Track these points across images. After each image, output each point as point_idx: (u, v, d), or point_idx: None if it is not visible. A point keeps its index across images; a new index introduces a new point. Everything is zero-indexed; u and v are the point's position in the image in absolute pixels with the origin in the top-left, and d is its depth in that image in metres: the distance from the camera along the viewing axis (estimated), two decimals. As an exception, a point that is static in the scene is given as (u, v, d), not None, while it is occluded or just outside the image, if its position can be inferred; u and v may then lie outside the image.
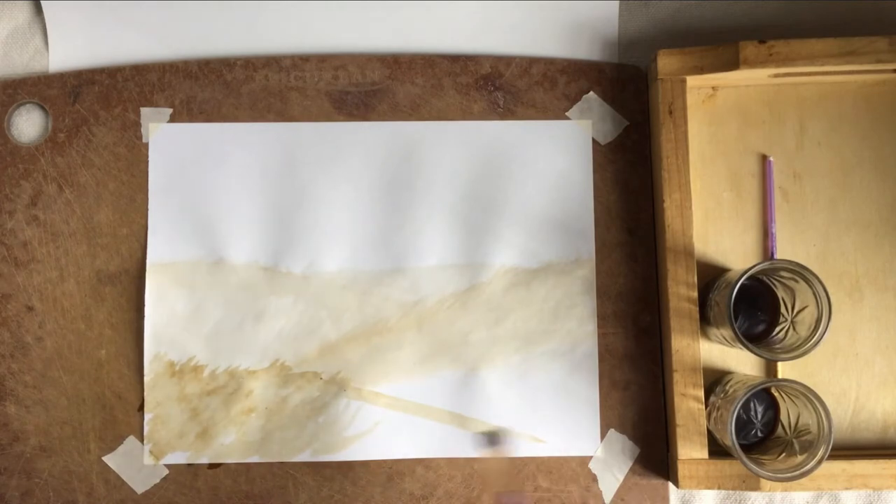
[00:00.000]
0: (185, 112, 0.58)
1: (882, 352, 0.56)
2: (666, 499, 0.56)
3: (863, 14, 0.59)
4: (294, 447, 0.56)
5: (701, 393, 0.53)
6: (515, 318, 0.57)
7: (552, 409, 0.57)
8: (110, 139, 0.58)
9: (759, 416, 0.55)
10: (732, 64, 0.53)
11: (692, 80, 0.55)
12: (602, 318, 0.57)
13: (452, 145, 0.58)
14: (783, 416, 0.54)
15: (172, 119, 0.58)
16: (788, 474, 0.48)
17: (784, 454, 0.52)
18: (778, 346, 0.52)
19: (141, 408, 0.56)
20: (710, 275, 0.56)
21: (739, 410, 0.50)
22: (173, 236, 0.57)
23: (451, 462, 0.56)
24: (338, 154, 0.58)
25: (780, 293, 0.53)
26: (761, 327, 0.54)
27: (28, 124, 0.58)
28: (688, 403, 0.53)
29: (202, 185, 0.58)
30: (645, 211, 0.58)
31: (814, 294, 0.49)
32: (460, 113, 0.58)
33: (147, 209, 0.57)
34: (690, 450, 0.53)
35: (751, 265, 0.49)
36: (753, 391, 0.49)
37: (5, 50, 0.59)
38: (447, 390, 0.57)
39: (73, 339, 0.57)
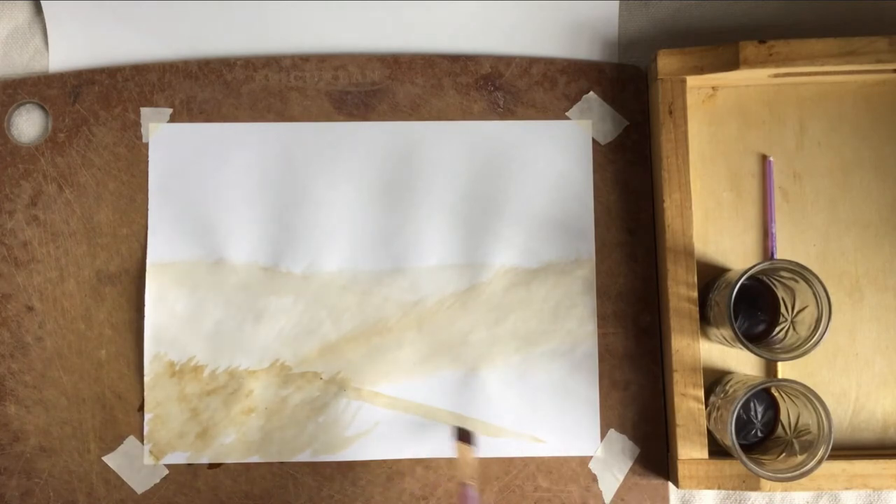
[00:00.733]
0: (185, 112, 0.58)
1: (882, 352, 0.56)
2: (666, 499, 0.56)
3: (863, 14, 0.59)
4: (294, 447, 0.56)
5: (701, 393, 0.53)
6: (515, 318, 0.57)
7: (552, 409, 0.57)
8: (110, 139, 0.58)
9: (759, 416, 0.55)
10: (732, 64, 0.53)
11: (692, 80, 0.55)
12: (602, 318, 0.57)
13: (452, 145, 0.58)
14: (783, 416, 0.54)
15: (172, 119, 0.58)
16: (788, 474, 0.48)
17: (784, 454, 0.52)
18: (778, 346, 0.52)
19: (141, 408, 0.56)
20: (710, 275, 0.56)
21: (739, 410, 0.50)
22: (173, 236, 0.57)
23: (452, 462, 0.56)
24: (338, 154, 0.58)
25: (780, 293, 0.53)
26: (761, 327, 0.54)
27: (28, 124, 0.58)
28: (688, 403, 0.53)
29: (202, 185, 0.58)
30: (645, 211, 0.58)
31: (814, 294, 0.49)
32: (460, 113, 0.58)
33: (147, 209, 0.57)
34: (690, 450, 0.53)
35: (751, 265, 0.49)
36: (753, 391, 0.49)
37: (5, 50, 0.59)
38: (447, 390, 0.57)
39: (73, 339, 0.57)
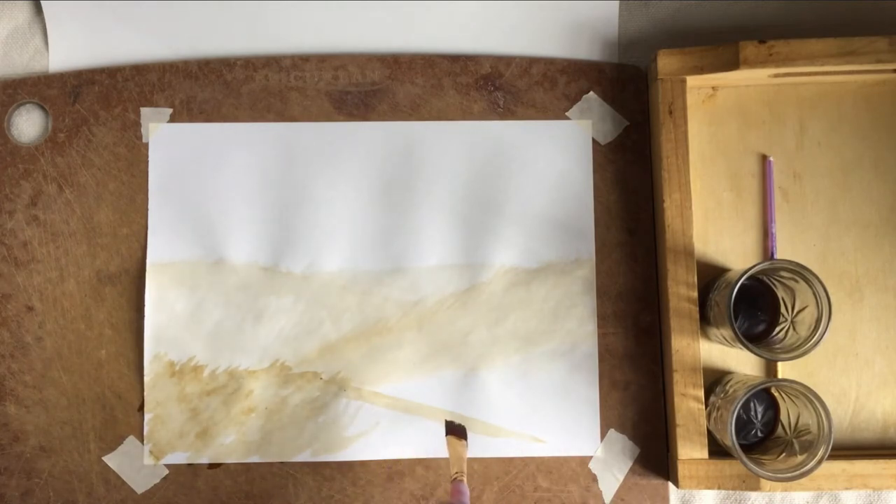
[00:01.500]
0: (185, 112, 0.58)
1: (882, 352, 0.56)
2: (666, 499, 0.56)
3: (863, 14, 0.59)
4: (294, 447, 0.56)
5: (701, 393, 0.53)
6: (515, 318, 0.57)
7: (552, 409, 0.57)
8: (110, 139, 0.58)
9: (759, 416, 0.55)
10: (732, 64, 0.53)
11: (692, 80, 0.55)
12: (602, 318, 0.57)
13: (452, 145, 0.58)
14: (783, 416, 0.54)
15: (172, 119, 0.58)
16: (788, 474, 0.48)
17: (784, 454, 0.52)
18: (778, 346, 0.52)
19: (141, 408, 0.56)
20: (710, 275, 0.56)
21: (739, 410, 0.50)
22: (173, 236, 0.57)
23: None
24: (338, 154, 0.58)
25: (780, 293, 0.53)
26: (761, 327, 0.54)
27: (28, 124, 0.58)
28: (688, 403, 0.53)
29: (202, 185, 0.58)
30: (645, 211, 0.58)
31: (814, 294, 0.49)
32: (460, 113, 0.58)
33: (147, 209, 0.57)
34: (690, 450, 0.53)
35: (751, 265, 0.49)
36: (753, 391, 0.49)
37: (5, 50, 0.59)
38: (447, 390, 0.57)
39: (73, 339, 0.57)
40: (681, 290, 0.54)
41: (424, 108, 0.58)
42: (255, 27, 0.59)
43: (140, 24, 0.59)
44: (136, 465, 0.56)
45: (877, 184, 0.57)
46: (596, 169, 0.58)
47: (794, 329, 0.52)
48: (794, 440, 0.52)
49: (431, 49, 0.59)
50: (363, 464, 0.56)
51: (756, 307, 0.54)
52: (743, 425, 0.55)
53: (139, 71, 0.58)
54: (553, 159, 0.58)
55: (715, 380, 0.56)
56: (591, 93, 0.59)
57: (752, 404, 0.55)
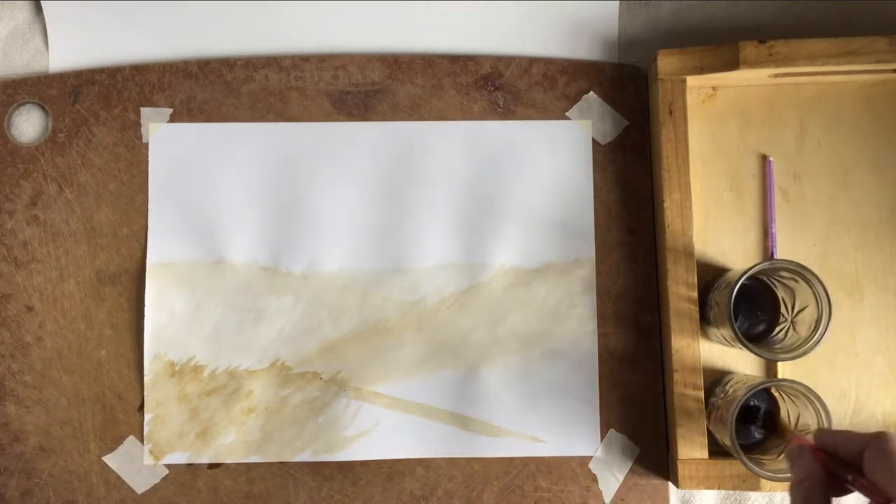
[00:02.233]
0: (185, 112, 0.58)
1: (882, 352, 0.56)
2: (666, 499, 0.56)
3: (863, 14, 0.59)
4: (294, 447, 0.56)
5: (701, 393, 0.53)
6: (515, 318, 0.57)
7: (552, 409, 0.57)
8: (110, 139, 0.58)
9: (759, 417, 0.55)
10: (732, 64, 0.53)
11: (692, 80, 0.55)
12: (602, 318, 0.57)
13: (452, 145, 0.58)
14: (783, 416, 0.54)
15: (172, 119, 0.58)
16: (788, 474, 0.48)
17: (784, 454, 0.52)
18: (778, 346, 0.52)
19: (141, 408, 0.56)
20: (710, 275, 0.56)
21: (739, 410, 0.50)
22: (173, 236, 0.57)
23: (451, 462, 0.56)
24: (338, 154, 0.58)
25: (780, 293, 0.53)
26: (761, 327, 0.54)
27: (28, 124, 0.58)
28: (688, 403, 0.53)
29: (202, 185, 0.58)
30: (645, 211, 0.58)
31: (814, 294, 0.49)
32: (460, 113, 0.58)
33: (147, 209, 0.57)
34: (690, 450, 0.53)
35: (751, 265, 0.49)
36: (753, 391, 0.49)
37: (5, 50, 0.59)
38: (447, 390, 0.57)
39: (73, 339, 0.57)
40: (681, 290, 0.54)
41: (424, 108, 0.58)
42: (255, 27, 0.59)
43: (140, 24, 0.59)
44: (136, 465, 0.56)
45: (877, 184, 0.57)
46: (596, 169, 0.58)
47: (794, 329, 0.52)
48: (794, 440, 0.52)
49: (431, 49, 0.59)
50: (363, 464, 0.56)
51: (756, 307, 0.54)
52: (743, 425, 0.55)
53: (139, 71, 0.58)
54: (553, 159, 0.58)
55: (715, 380, 0.56)
56: (591, 93, 0.59)
57: (752, 404, 0.55)
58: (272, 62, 0.58)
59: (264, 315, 0.57)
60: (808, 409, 0.50)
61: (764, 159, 0.57)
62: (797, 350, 0.49)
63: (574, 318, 0.57)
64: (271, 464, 0.56)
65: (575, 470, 0.56)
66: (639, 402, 0.57)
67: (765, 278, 0.54)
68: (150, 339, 0.56)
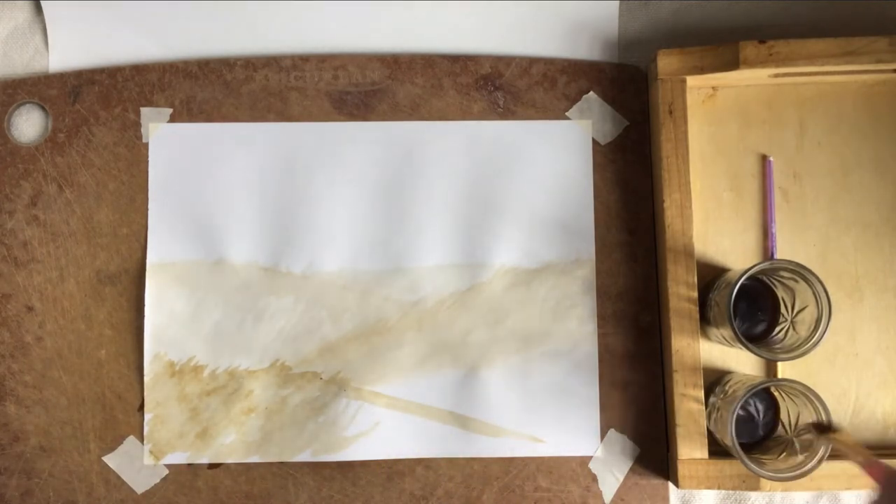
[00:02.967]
0: (185, 112, 0.58)
1: (882, 352, 0.56)
2: (666, 499, 0.56)
3: (863, 14, 0.59)
4: (294, 447, 0.56)
5: (701, 393, 0.53)
6: (515, 318, 0.57)
7: (552, 409, 0.57)
8: (110, 139, 0.58)
9: (759, 416, 0.55)
10: (732, 64, 0.53)
11: (692, 80, 0.55)
12: (602, 318, 0.57)
13: (452, 145, 0.58)
14: (783, 416, 0.54)
15: (172, 119, 0.58)
16: (788, 474, 0.48)
17: (784, 454, 0.52)
18: (778, 346, 0.52)
19: (141, 408, 0.56)
20: (710, 275, 0.56)
21: (739, 410, 0.50)
22: (173, 236, 0.57)
23: (451, 462, 0.56)
24: (338, 154, 0.58)
25: (780, 293, 0.53)
26: (761, 327, 0.54)
27: (28, 124, 0.58)
28: (688, 403, 0.53)
29: (202, 185, 0.58)
30: (645, 211, 0.58)
31: (814, 294, 0.49)
32: (460, 113, 0.58)
33: (147, 209, 0.57)
34: (690, 450, 0.53)
35: (751, 265, 0.49)
36: (753, 391, 0.49)
37: (5, 50, 0.59)
38: (447, 390, 0.57)
39: (73, 339, 0.57)
40: (681, 290, 0.54)
41: (424, 108, 0.58)
42: (255, 27, 0.59)
43: (140, 24, 0.59)
44: (136, 465, 0.56)
45: (877, 184, 0.57)
46: (596, 169, 0.58)
47: (794, 329, 0.52)
48: (795, 440, 0.52)
49: (431, 49, 0.59)
50: (363, 464, 0.56)
51: (756, 307, 0.54)
52: (743, 425, 0.55)
53: (139, 71, 0.58)
54: (553, 159, 0.58)
55: (715, 380, 0.56)
56: (591, 93, 0.59)
57: (752, 404, 0.55)
58: (272, 62, 0.58)
59: (264, 315, 0.57)
60: (808, 409, 0.50)
61: (764, 159, 0.57)
62: (797, 350, 0.49)
63: (574, 318, 0.57)
64: (271, 464, 0.56)
65: (575, 470, 0.56)
66: (639, 402, 0.57)
67: (765, 278, 0.54)
68: (150, 339, 0.56)
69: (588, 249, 0.57)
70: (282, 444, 0.56)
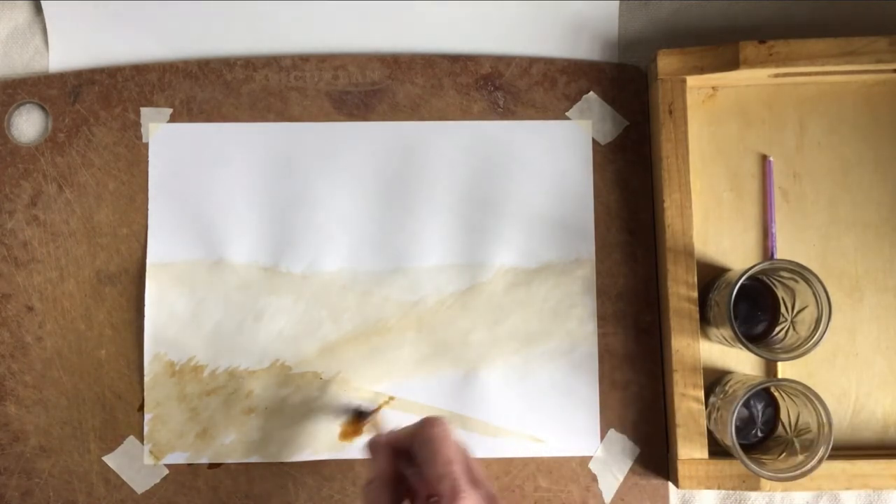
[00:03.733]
0: (185, 112, 0.58)
1: (882, 352, 0.56)
2: (666, 499, 0.56)
3: (863, 14, 0.59)
4: (294, 447, 0.56)
5: (701, 393, 0.53)
6: (515, 318, 0.57)
7: (552, 409, 0.57)
8: (110, 139, 0.58)
9: (759, 416, 0.55)
10: (732, 64, 0.53)
11: (692, 80, 0.55)
12: (602, 318, 0.57)
13: (452, 145, 0.58)
14: (783, 416, 0.54)
15: (172, 119, 0.58)
16: (789, 474, 0.48)
17: (784, 454, 0.52)
18: (778, 346, 0.52)
19: (141, 408, 0.56)
20: (710, 275, 0.56)
21: (739, 410, 0.50)
22: (173, 236, 0.57)
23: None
24: (338, 154, 0.58)
25: (780, 293, 0.53)
26: (761, 327, 0.54)
27: (28, 124, 0.58)
28: (688, 403, 0.53)
29: (202, 185, 0.58)
30: (645, 211, 0.58)
31: (814, 294, 0.49)
32: (460, 113, 0.58)
33: (147, 209, 0.57)
34: (690, 450, 0.53)
35: (751, 265, 0.49)
36: (753, 391, 0.49)
37: (5, 50, 0.59)
38: (447, 390, 0.57)
39: (73, 339, 0.57)
40: (681, 290, 0.54)
41: (424, 108, 0.58)
42: (255, 27, 0.59)
43: (140, 24, 0.59)
44: (136, 465, 0.56)
45: (877, 184, 0.57)
46: (596, 169, 0.58)
47: (794, 329, 0.52)
48: (795, 440, 0.52)
49: (431, 49, 0.59)
50: (363, 464, 0.56)
51: (756, 307, 0.54)
52: (743, 425, 0.55)
53: (139, 71, 0.58)
54: (553, 159, 0.58)
55: (715, 380, 0.56)
56: (591, 93, 0.59)
57: (752, 404, 0.55)
58: (272, 62, 0.58)
59: (264, 315, 0.57)
60: (808, 409, 0.50)
61: (764, 159, 0.57)
62: (797, 350, 0.49)
63: (574, 318, 0.57)
64: (271, 464, 0.56)
65: (575, 470, 0.56)
66: (639, 402, 0.57)
67: (765, 278, 0.54)
68: (150, 339, 0.56)
69: (588, 249, 0.57)
70: (282, 444, 0.56)
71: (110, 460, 0.56)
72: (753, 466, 0.49)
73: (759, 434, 0.55)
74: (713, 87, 0.58)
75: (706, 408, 0.53)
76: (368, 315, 0.57)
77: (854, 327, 0.56)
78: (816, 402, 0.49)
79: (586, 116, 0.58)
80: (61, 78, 0.58)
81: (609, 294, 0.57)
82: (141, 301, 0.57)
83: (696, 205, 0.56)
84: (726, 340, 0.52)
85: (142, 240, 0.57)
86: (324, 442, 0.56)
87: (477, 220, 0.58)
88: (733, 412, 0.49)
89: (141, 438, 0.56)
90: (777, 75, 0.55)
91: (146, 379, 0.56)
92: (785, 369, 0.56)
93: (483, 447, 0.56)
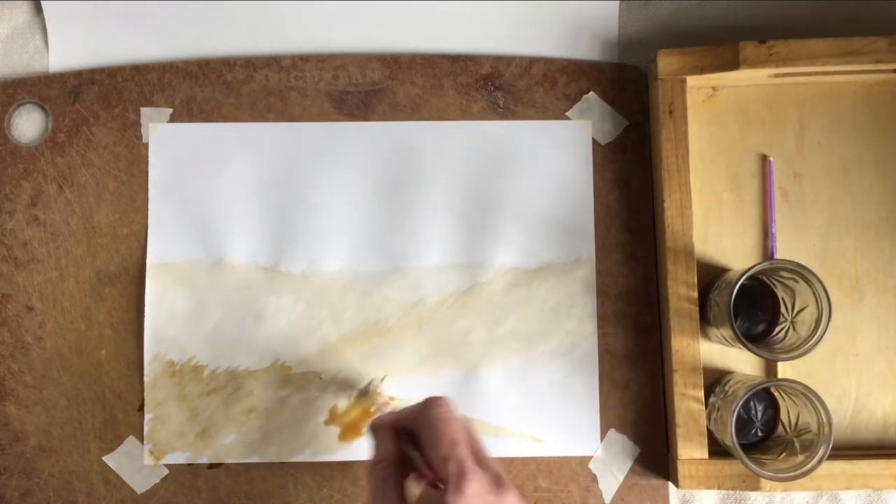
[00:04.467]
0: (185, 112, 0.58)
1: (882, 352, 0.56)
2: (666, 499, 0.56)
3: (863, 14, 0.59)
4: (294, 447, 0.56)
5: (701, 393, 0.53)
6: (515, 318, 0.57)
7: (552, 409, 0.57)
8: (110, 139, 0.58)
9: (759, 416, 0.55)
10: (732, 64, 0.53)
11: (692, 80, 0.55)
12: (602, 318, 0.57)
13: (452, 145, 0.58)
14: (783, 416, 0.54)
15: (172, 119, 0.58)
16: (789, 474, 0.48)
17: (784, 454, 0.52)
18: (778, 346, 0.52)
19: (141, 408, 0.56)
20: (710, 275, 0.56)
21: (739, 410, 0.50)
22: (173, 236, 0.57)
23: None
24: (338, 154, 0.58)
25: (780, 293, 0.53)
26: (761, 327, 0.54)
27: (28, 124, 0.58)
28: (688, 403, 0.53)
29: (202, 185, 0.58)
30: (645, 211, 0.58)
31: (814, 294, 0.49)
32: (460, 113, 0.58)
33: (147, 209, 0.57)
34: (690, 450, 0.53)
35: (751, 265, 0.49)
36: (753, 391, 0.49)
37: (5, 50, 0.59)
38: (447, 390, 0.57)
39: (73, 339, 0.57)
40: (681, 290, 0.54)
41: (424, 108, 0.58)
42: (255, 27, 0.59)
43: (140, 24, 0.59)
44: (136, 465, 0.56)
45: (877, 184, 0.57)
46: (596, 169, 0.58)
47: (794, 329, 0.52)
48: (795, 439, 0.52)
49: (431, 49, 0.59)
50: (363, 464, 0.56)
51: (756, 307, 0.54)
52: (743, 425, 0.55)
53: (139, 71, 0.58)
54: (553, 159, 0.58)
55: (715, 380, 0.56)
56: (591, 93, 0.59)
57: (752, 404, 0.55)
58: (272, 62, 0.58)
59: (264, 315, 0.57)
60: (808, 409, 0.50)
61: (764, 159, 0.57)
62: (797, 350, 0.49)
63: (574, 318, 0.57)
64: (271, 464, 0.56)
65: (575, 470, 0.56)
66: (639, 402, 0.57)
67: (765, 278, 0.54)
68: (150, 339, 0.56)
69: (588, 249, 0.57)
70: (282, 444, 0.56)
71: (110, 460, 0.56)
72: (753, 466, 0.49)
73: (759, 434, 0.55)
74: (713, 87, 0.58)
75: (706, 408, 0.53)
76: (368, 315, 0.57)
77: (854, 327, 0.56)
78: (816, 402, 0.49)
79: (586, 116, 0.58)
80: (61, 78, 0.58)
81: (609, 294, 0.57)
82: (141, 301, 0.57)
83: (696, 205, 0.56)
84: (726, 340, 0.52)
85: (142, 240, 0.57)
86: (324, 442, 0.56)
87: (477, 220, 0.58)
88: (733, 412, 0.49)
89: (141, 438, 0.56)
90: (777, 75, 0.55)
91: (146, 379, 0.56)
92: (785, 369, 0.56)
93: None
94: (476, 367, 0.57)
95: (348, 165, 0.58)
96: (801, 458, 0.49)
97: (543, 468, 0.56)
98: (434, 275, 0.57)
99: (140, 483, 0.56)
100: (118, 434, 0.56)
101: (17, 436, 0.56)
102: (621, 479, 0.56)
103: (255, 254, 0.57)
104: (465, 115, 0.58)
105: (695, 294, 0.54)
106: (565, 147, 0.58)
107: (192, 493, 0.56)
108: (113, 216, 0.57)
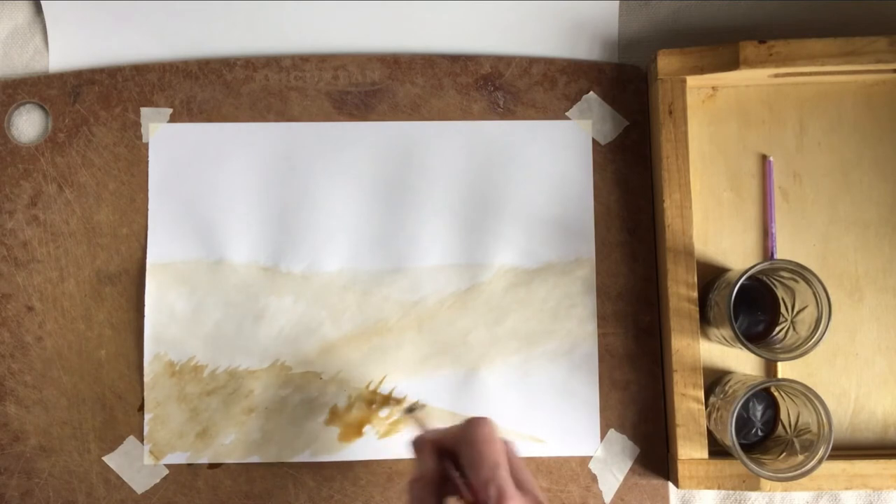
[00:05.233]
0: (185, 112, 0.58)
1: (882, 352, 0.56)
2: (666, 499, 0.56)
3: (863, 14, 0.59)
4: (294, 447, 0.56)
5: (701, 393, 0.53)
6: (515, 318, 0.57)
7: (552, 409, 0.57)
8: (110, 139, 0.58)
9: (759, 416, 0.55)
10: (732, 64, 0.53)
11: (692, 80, 0.55)
12: (602, 318, 0.57)
13: (452, 145, 0.58)
14: (783, 416, 0.54)
15: (172, 119, 0.58)
16: (789, 474, 0.48)
17: (784, 454, 0.52)
18: (778, 346, 0.52)
19: (141, 408, 0.56)
20: (710, 275, 0.56)
21: (739, 410, 0.50)
22: (173, 236, 0.57)
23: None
24: (338, 154, 0.58)
25: (780, 293, 0.53)
26: (761, 327, 0.54)
27: (28, 124, 0.58)
28: (688, 403, 0.53)
29: (202, 185, 0.58)
30: (645, 211, 0.58)
31: (814, 294, 0.49)
32: (460, 113, 0.58)
33: (147, 209, 0.57)
34: (690, 450, 0.53)
35: (751, 265, 0.49)
36: (753, 391, 0.49)
37: (5, 50, 0.59)
38: (447, 390, 0.57)
39: (73, 339, 0.57)
40: (681, 290, 0.54)
41: (424, 108, 0.58)
42: (255, 27, 0.59)
43: (140, 24, 0.59)
44: (136, 465, 0.56)
45: (877, 184, 0.57)
46: (596, 169, 0.58)
47: (794, 329, 0.52)
48: (795, 440, 0.52)
49: (431, 49, 0.59)
50: (363, 464, 0.56)
51: (756, 307, 0.54)
52: (743, 425, 0.55)
53: (139, 71, 0.58)
54: (553, 159, 0.58)
55: (715, 380, 0.56)
56: (591, 93, 0.59)
57: (752, 404, 0.55)
58: (272, 62, 0.58)
59: (264, 315, 0.57)
60: (808, 409, 0.50)
61: (764, 159, 0.57)
62: (797, 350, 0.49)
63: (574, 318, 0.57)
64: (271, 464, 0.56)
65: (575, 470, 0.56)
66: (639, 402, 0.57)
67: (765, 278, 0.54)
68: (150, 339, 0.56)
69: (588, 249, 0.57)
70: (282, 444, 0.56)
71: (110, 460, 0.56)
72: (753, 466, 0.49)
73: (759, 434, 0.55)
74: (713, 87, 0.58)
75: (706, 408, 0.53)
76: (368, 315, 0.57)
77: (854, 327, 0.56)
78: (816, 402, 0.49)
79: (586, 116, 0.58)
80: (61, 78, 0.58)
81: (609, 294, 0.57)
82: (141, 301, 0.57)
83: (696, 205, 0.56)
84: (726, 340, 0.52)
85: (142, 240, 0.57)
86: (324, 442, 0.56)
87: (477, 220, 0.58)
88: (733, 412, 0.49)
89: (141, 438, 0.56)
90: (777, 75, 0.55)
91: (146, 379, 0.56)
92: (785, 369, 0.56)
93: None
94: (476, 367, 0.57)
95: (348, 165, 0.58)
96: (801, 458, 0.49)
97: (543, 468, 0.56)
98: (434, 275, 0.57)
99: (140, 483, 0.56)
100: (118, 434, 0.56)
101: (17, 436, 0.56)
102: (621, 479, 0.56)
103: (256, 254, 0.57)
104: (465, 115, 0.58)
105: (695, 294, 0.54)
106: (565, 147, 0.58)
107: (191, 493, 0.56)
108: (113, 216, 0.57)
